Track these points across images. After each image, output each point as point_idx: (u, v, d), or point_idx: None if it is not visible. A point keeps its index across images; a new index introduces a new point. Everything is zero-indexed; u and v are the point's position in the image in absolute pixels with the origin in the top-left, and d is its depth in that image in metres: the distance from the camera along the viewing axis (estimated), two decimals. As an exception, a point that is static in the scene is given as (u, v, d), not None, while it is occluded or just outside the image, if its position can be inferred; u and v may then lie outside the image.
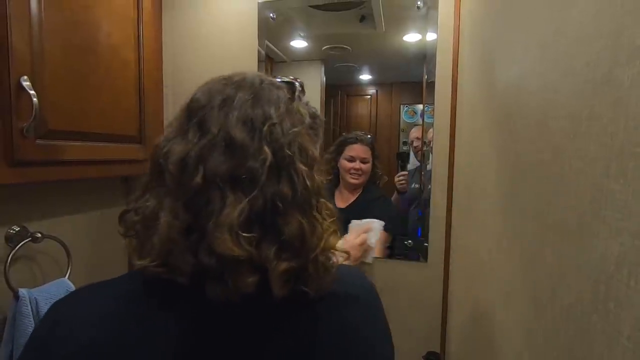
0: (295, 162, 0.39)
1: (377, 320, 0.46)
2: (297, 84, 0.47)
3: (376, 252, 1.04)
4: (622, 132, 0.26)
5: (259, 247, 0.37)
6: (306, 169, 0.40)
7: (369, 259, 0.96)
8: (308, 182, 0.40)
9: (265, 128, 0.39)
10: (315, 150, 0.43)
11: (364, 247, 0.94)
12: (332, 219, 0.42)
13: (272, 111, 0.41)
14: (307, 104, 0.48)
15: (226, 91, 0.42)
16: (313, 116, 0.47)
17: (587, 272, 0.30)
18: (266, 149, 0.38)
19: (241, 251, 0.35)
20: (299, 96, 0.46)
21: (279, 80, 0.46)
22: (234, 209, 0.36)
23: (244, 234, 0.36)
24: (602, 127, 0.29)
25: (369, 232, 0.97)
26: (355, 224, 1.00)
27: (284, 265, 0.37)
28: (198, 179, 0.37)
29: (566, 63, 0.36)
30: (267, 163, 0.38)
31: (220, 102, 0.41)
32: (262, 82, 0.44)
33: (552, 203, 0.38)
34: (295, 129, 0.41)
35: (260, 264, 0.36)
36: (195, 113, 0.41)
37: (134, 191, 0.42)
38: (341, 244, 0.64)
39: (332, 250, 0.42)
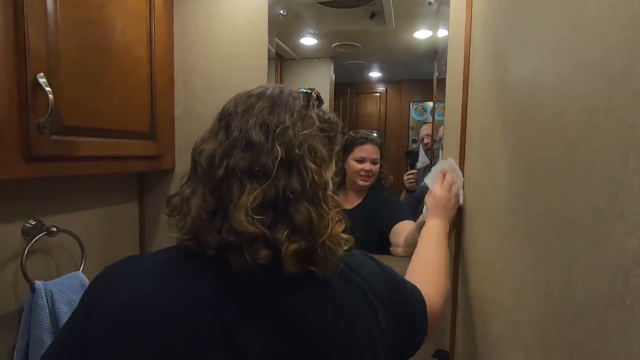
0: (305, 160, 0.46)
1: (375, 291, 0.53)
2: (313, 93, 0.54)
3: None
4: (642, 125, 0.26)
5: (271, 228, 0.44)
6: (315, 166, 0.47)
7: (461, 200, 0.92)
8: (316, 178, 0.46)
9: (278, 130, 0.47)
10: (324, 151, 0.50)
11: (454, 191, 0.91)
12: (337, 209, 0.49)
13: (286, 117, 0.48)
14: (325, 111, 0.55)
15: (249, 101, 0.50)
16: (329, 122, 0.55)
17: (602, 267, 0.30)
18: (278, 148, 0.45)
19: (255, 229, 0.43)
20: (313, 104, 0.52)
21: (301, 90, 0.53)
22: (249, 195, 0.44)
23: (256, 216, 0.43)
24: (620, 119, 0.28)
25: (448, 173, 0.93)
26: (430, 176, 0.95)
27: (294, 246, 0.44)
28: (221, 170, 0.45)
29: (581, 57, 0.36)
30: (278, 160, 0.45)
31: (243, 110, 0.49)
32: (281, 92, 0.52)
33: (565, 198, 0.38)
34: (305, 132, 0.48)
35: (272, 242, 0.44)
36: (223, 119, 0.50)
37: (180, 181, 0.52)
38: (428, 201, 0.89)
39: (339, 236, 0.48)
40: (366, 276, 0.53)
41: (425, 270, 0.76)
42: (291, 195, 0.44)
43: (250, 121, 0.47)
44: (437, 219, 0.87)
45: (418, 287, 0.61)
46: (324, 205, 0.47)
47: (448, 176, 0.92)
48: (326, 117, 0.55)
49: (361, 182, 1.14)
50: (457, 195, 0.91)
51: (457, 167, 0.94)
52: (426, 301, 0.60)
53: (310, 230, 0.45)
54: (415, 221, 0.99)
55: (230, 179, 0.45)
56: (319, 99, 0.54)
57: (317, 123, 0.50)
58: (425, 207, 0.92)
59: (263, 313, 0.45)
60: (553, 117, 0.42)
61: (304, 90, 0.54)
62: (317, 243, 0.45)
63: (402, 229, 1.04)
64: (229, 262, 0.44)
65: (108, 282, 0.48)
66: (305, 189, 0.45)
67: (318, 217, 0.45)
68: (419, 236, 0.87)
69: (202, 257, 0.46)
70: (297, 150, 0.46)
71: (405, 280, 0.62)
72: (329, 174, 0.53)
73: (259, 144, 0.46)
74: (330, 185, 0.51)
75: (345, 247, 0.49)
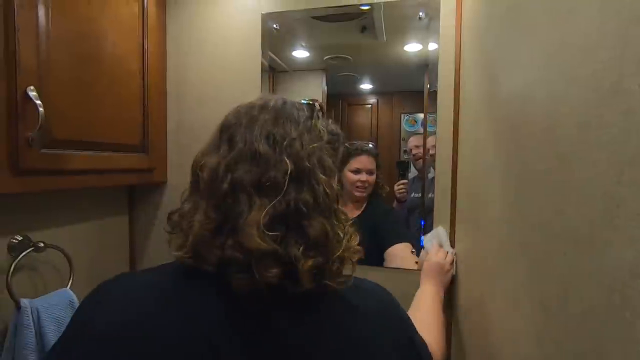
0: (316, 172, 0.45)
1: (389, 330, 0.49)
2: (316, 104, 0.52)
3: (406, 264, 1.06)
4: (635, 140, 0.26)
5: (284, 244, 0.42)
6: (326, 178, 0.46)
7: (454, 270, 0.95)
8: (328, 191, 0.45)
9: (286, 142, 0.45)
10: (332, 163, 0.49)
11: (449, 259, 0.94)
12: (349, 222, 0.48)
13: (292, 128, 0.47)
14: (327, 122, 0.54)
15: (252, 113, 0.49)
16: (333, 133, 0.53)
17: (599, 280, 0.30)
18: (287, 160, 0.44)
19: (267, 245, 0.41)
20: (317, 115, 0.51)
21: (304, 102, 0.52)
22: (260, 211, 0.42)
23: (269, 233, 0.41)
24: (612, 135, 0.29)
25: (442, 243, 0.97)
26: (428, 239, 1.00)
27: (310, 262, 0.42)
28: (225, 185, 0.43)
29: (572, 72, 0.37)
30: (288, 173, 0.43)
31: (247, 121, 0.48)
32: (284, 103, 0.50)
33: (560, 211, 0.38)
34: (315, 145, 0.47)
35: (285, 259, 0.42)
36: (226, 131, 0.48)
37: (181, 196, 0.50)
38: (424, 256, 0.90)
39: (354, 248, 0.47)
40: (385, 311, 0.50)
41: (426, 333, 0.73)
42: (304, 209, 0.43)
43: (255, 132, 0.46)
44: (432, 284, 0.89)
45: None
46: (337, 219, 0.46)
47: (442, 250, 0.96)
48: (329, 128, 0.53)
49: (357, 193, 1.14)
50: (451, 264, 0.95)
51: (447, 239, 0.99)
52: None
53: (326, 245, 0.43)
54: (410, 242, 1.08)
55: (236, 193, 0.43)
56: (322, 110, 0.53)
57: (326, 136, 0.50)
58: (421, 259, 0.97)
59: (266, 341, 0.42)
60: (545, 130, 0.43)
61: (307, 102, 0.53)
62: (334, 257, 0.44)
63: (397, 254, 1.09)
64: (230, 280, 0.42)
65: (101, 301, 0.46)
66: (318, 202, 0.44)
67: (332, 231, 0.44)
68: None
69: (201, 276, 0.44)
70: (307, 163, 0.45)
71: (419, 334, 0.56)
72: (337, 186, 0.52)
73: (266, 155, 0.44)
74: (339, 199, 0.50)
75: (355, 259, 0.47)
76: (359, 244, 0.48)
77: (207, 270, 0.43)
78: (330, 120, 0.56)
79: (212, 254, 0.43)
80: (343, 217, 0.47)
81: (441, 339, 0.75)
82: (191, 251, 0.44)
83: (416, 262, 1.05)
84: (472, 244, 0.85)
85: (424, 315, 0.80)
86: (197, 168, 0.48)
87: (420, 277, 0.93)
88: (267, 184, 0.43)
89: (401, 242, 1.10)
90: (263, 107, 0.49)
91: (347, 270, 0.46)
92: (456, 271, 0.95)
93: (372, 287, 0.53)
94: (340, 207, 0.48)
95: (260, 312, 0.43)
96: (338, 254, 0.44)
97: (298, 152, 0.45)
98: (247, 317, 0.43)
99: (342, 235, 0.45)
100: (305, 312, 0.44)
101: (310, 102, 0.52)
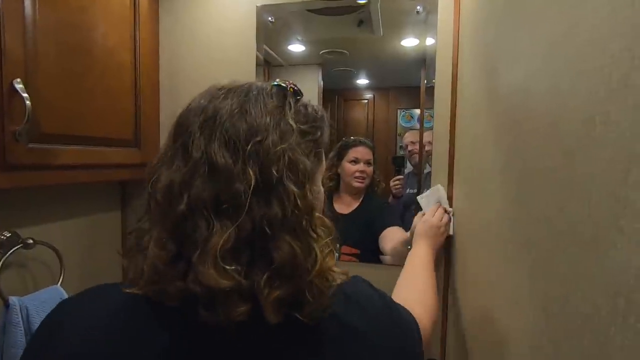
0: (284, 181, 0.38)
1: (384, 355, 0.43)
2: (288, 87, 0.44)
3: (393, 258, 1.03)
4: (643, 138, 0.25)
5: (249, 275, 0.36)
6: (296, 188, 0.38)
7: (451, 231, 0.92)
8: (299, 202, 0.38)
9: (249, 147, 0.38)
10: (308, 162, 0.41)
11: (445, 221, 0.90)
12: (329, 238, 0.40)
13: (257, 125, 0.39)
14: (306, 106, 0.46)
15: (211, 105, 0.41)
16: (312, 118, 0.45)
17: (604, 283, 0.29)
18: (250, 171, 0.37)
19: (228, 282, 0.35)
20: (289, 102, 0.43)
21: (274, 84, 0.44)
22: (220, 238, 0.35)
23: (229, 266, 0.35)
24: (619, 132, 0.28)
25: (440, 201, 0.93)
26: (425, 198, 0.96)
27: (275, 294, 0.36)
28: (182, 206, 0.36)
29: (578, 65, 0.35)
30: (252, 186, 0.36)
31: (204, 120, 0.40)
32: (248, 90, 0.42)
33: (564, 210, 0.37)
34: (283, 145, 0.39)
35: (251, 292, 0.36)
36: (180, 134, 0.41)
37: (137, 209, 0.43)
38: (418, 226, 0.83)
39: (330, 272, 0.39)
40: (369, 318, 0.44)
41: (416, 291, 0.70)
42: (268, 230, 0.36)
43: (213, 136, 0.38)
44: (426, 245, 0.85)
45: (409, 309, 0.53)
46: (312, 233, 0.39)
47: (441, 210, 0.93)
48: (309, 111, 0.45)
49: (357, 184, 1.14)
50: (447, 225, 0.92)
51: (446, 197, 0.96)
52: (419, 324, 0.52)
53: (294, 271, 0.36)
54: (403, 227, 1.04)
55: (194, 217, 0.36)
56: (295, 93, 0.44)
57: (296, 127, 0.41)
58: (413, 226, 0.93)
59: None
60: (548, 127, 0.42)
61: (277, 84, 0.44)
62: (304, 284, 0.37)
63: (391, 235, 1.08)
64: (198, 315, 0.36)
65: (60, 322, 0.41)
66: (286, 217, 0.37)
67: (303, 253, 0.37)
68: (405, 246, 0.85)
69: (164, 307, 0.38)
70: (274, 171, 0.37)
71: (400, 308, 0.52)
72: (318, 180, 0.45)
73: (225, 167, 0.37)
74: (320, 203, 0.43)
75: (338, 282, 0.40)
76: (330, 269, 0.40)
77: (169, 305, 0.38)
78: (308, 100, 0.47)
79: (174, 286, 0.37)
80: (323, 229, 0.40)
81: (434, 299, 0.72)
82: (146, 287, 0.39)
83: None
84: (468, 242, 0.84)
85: (416, 275, 0.76)
86: (150, 183, 0.41)
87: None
88: (225, 204, 0.36)
89: (394, 225, 1.10)
90: (225, 97, 0.41)
91: (323, 297, 0.39)
92: (453, 231, 0.93)
93: (364, 292, 0.47)
94: (319, 215, 0.41)
95: (227, 350, 0.38)
96: (310, 278, 0.37)
97: (265, 157, 0.38)
98: (210, 354, 0.38)
99: (318, 252, 0.38)
100: (285, 345, 0.39)
101: (282, 85, 0.44)
